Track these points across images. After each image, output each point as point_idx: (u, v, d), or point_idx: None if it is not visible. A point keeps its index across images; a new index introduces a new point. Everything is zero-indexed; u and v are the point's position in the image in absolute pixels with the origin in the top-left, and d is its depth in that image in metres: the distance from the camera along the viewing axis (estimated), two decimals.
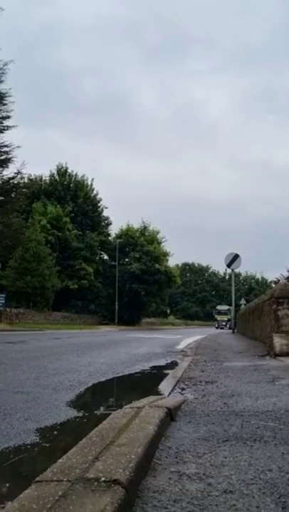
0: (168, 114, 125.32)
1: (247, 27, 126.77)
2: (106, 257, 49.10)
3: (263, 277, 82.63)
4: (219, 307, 58.56)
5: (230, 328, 41.96)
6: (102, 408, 3.37)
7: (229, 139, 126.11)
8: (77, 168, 55.32)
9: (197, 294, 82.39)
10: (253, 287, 76.97)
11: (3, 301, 28.12)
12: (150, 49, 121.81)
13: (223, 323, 50.60)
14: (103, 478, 1.44)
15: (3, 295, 28.67)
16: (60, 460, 1.66)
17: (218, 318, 53.45)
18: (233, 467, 1.80)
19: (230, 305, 48.89)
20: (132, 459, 1.65)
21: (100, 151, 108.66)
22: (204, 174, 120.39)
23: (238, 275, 76.40)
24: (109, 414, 2.52)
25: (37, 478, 1.47)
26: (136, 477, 1.56)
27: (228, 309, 52.88)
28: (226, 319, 50.93)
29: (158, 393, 3.90)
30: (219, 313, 55.13)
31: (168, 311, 71.09)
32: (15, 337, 12.94)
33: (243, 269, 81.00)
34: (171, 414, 2.62)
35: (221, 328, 46.17)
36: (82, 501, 1.29)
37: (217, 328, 48.53)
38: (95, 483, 1.42)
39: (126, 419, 2.32)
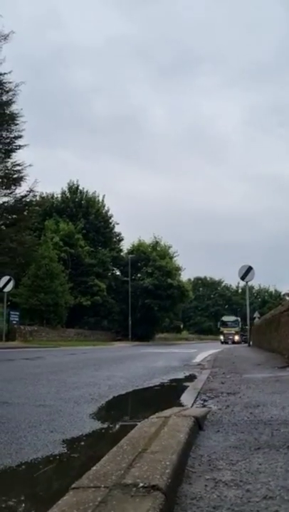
0: (178, 131, 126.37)
1: (255, 43, 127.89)
2: (118, 273, 49.11)
3: (276, 290, 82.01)
4: (225, 318, 50.78)
5: (238, 343, 38.21)
6: (126, 419, 3.33)
7: (239, 154, 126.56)
8: (89, 186, 55.71)
9: (210, 308, 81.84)
10: (266, 300, 76.33)
11: (17, 319, 28.17)
12: (159, 68, 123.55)
13: (230, 337, 43.75)
14: (141, 484, 1.41)
15: (17, 312, 28.74)
16: (94, 467, 1.64)
17: (225, 331, 45.74)
18: (269, 474, 1.75)
19: (243, 317, 47.71)
20: (167, 465, 1.62)
21: (111, 169, 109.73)
22: (215, 189, 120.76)
23: (251, 288, 75.88)
24: (135, 424, 2.48)
25: (73, 485, 1.45)
26: (173, 483, 1.53)
27: (236, 320, 46.80)
28: (233, 332, 44.71)
29: (180, 405, 3.85)
30: (225, 324, 47.48)
31: (181, 326, 70.64)
32: (31, 353, 12.93)
33: (256, 282, 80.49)
34: (199, 424, 2.58)
35: (227, 343, 39.85)
36: (123, 506, 1.26)
37: (223, 342, 41.43)
38: (134, 488, 1.39)
39: (154, 428, 2.29)
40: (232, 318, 50.16)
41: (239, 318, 47.62)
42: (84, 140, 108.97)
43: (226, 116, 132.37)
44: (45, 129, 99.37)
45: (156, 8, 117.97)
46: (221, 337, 45.63)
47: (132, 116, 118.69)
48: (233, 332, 45.02)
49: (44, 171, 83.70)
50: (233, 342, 41.94)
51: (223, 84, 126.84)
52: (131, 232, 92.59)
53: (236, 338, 43.35)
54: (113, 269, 48.08)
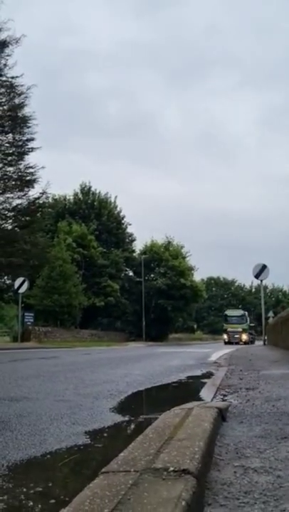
0: (191, 134, 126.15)
1: (265, 44, 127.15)
2: (131, 274, 49.10)
3: None
4: (229, 312, 41.91)
5: (245, 344, 32.22)
6: (146, 413, 3.31)
7: (252, 156, 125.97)
8: (102, 188, 55.80)
9: (224, 309, 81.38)
10: (280, 300, 75.72)
11: (32, 320, 28.33)
12: (172, 71, 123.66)
13: (236, 336, 35.93)
14: (172, 468, 1.40)
15: (32, 314, 28.89)
16: (122, 454, 1.62)
17: (229, 329, 37.36)
18: None
19: (257, 317, 46.80)
20: (196, 451, 1.60)
21: (124, 171, 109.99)
22: (227, 190, 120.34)
23: (264, 288, 75.37)
24: (157, 417, 2.47)
25: (103, 470, 1.44)
26: (202, 469, 1.51)
27: (243, 315, 39.13)
28: (239, 330, 36.80)
29: (200, 399, 3.82)
30: (229, 320, 38.76)
31: (195, 326, 70.39)
32: (46, 353, 12.98)
33: (270, 281, 79.88)
34: (222, 415, 2.55)
35: (232, 344, 32.12)
36: (156, 488, 1.25)
37: (227, 343, 33.97)
38: (164, 472, 1.38)
39: (178, 418, 2.27)
40: (238, 312, 41.71)
41: (246, 313, 41.02)
42: (97, 143, 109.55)
43: (238, 119, 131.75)
44: (60, 132, 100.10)
45: (167, 12, 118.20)
46: (225, 336, 37.38)
47: (145, 120, 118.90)
48: (239, 330, 37.12)
49: (58, 174, 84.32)
50: (240, 342, 34.46)
51: (235, 87, 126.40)
52: (144, 233, 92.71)
53: (244, 337, 36.22)
54: (126, 270, 48.09)
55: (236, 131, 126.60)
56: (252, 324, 49.10)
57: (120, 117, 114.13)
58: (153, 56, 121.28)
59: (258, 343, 32.54)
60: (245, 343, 34.53)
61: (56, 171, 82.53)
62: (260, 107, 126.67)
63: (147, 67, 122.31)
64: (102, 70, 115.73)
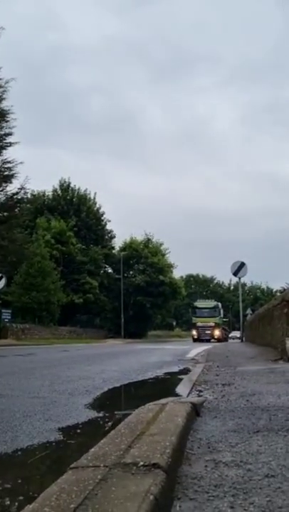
0: (174, 130, 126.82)
1: (250, 43, 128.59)
2: (110, 271, 49.00)
3: (268, 287, 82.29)
4: (200, 303, 36.93)
5: (218, 341, 28.49)
6: (121, 409, 3.30)
7: (235, 153, 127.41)
8: (84, 185, 55.47)
9: None
10: (258, 297, 76.62)
11: (9, 317, 28.02)
12: (156, 67, 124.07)
13: (208, 332, 32.02)
14: (142, 463, 1.39)
15: (9, 311, 28.57)
16: (93, 449, 1.61)
17: (199, 323, 32.99)
18: (270, 454, 1.74)
19: (236, 314, 47.47)
20: (167, 445, 1.59)
21: (107, 167, 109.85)
22: (210, 187, 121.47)
23: (243, 285, 76.14)
24: (131, 413, 2.46)
25: (72, 465, 1.42)
26: (173, 463, 1.50)
27: (215, 307, 34.78)
28: (211, 324, 32.56)
29: (176, 395, 3.82)
30: (199, 313, 33.96)
31: (174, 324, 70.71)
32: (23, 350, 12.85)
33: (248, 279, 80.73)
34: (196, 409, 2.56)
35: (202, 341, 28.12)
36: (124, 483, 1.24)
37: (196, 339, 30.66)
38: (134, 467, 1.37)
39: (152, 413, 2.26)
40: (209, 303, 36.72)
41: (220, 304, 36.91)
42: (80, 139, 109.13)
43: (221, 116, 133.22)
44: (41, 127, 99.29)
45: (152, 8, 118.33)
46: (193, 332, 33.20)
47: (128, 116, 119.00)
48: (211, 324, 32.62)
49: (39, 170, 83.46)
50: (212, 340, 30.33)
51: (219, 84, 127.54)
52: (124, 230, 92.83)
53: (216, 333, 32.25)
54: (105, 267, 47.97)
55: (220, 128, 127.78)
56: (226, 319, 47.98)
57: (103, 113, 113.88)
58: (138, 52, 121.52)
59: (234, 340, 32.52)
60: (218, 340, 30.68)
61: (37, 167, 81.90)
62: (244, 104, 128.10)
63: (132, 64, 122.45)
64: (86, 65, 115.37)
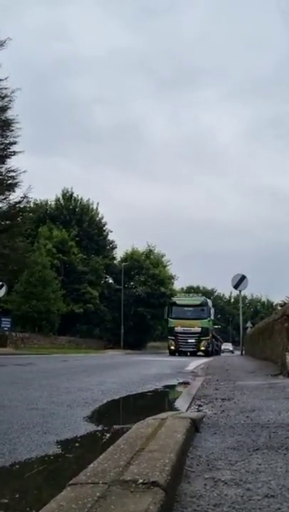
0: (177, 142, 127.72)
1: (254, 57, 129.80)
2: (111, 281, 48.95)
3: (268, 300, 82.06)
4: (180, 298, 27.17)
5: (205, 355, 21.61)
6: (120, 422, 3.28)
7: (237, 165, 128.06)
8: (87, 195, 55.60)
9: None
10: (258, 310, 76.40)
11: (8, 326, 27.94)
12: (161, 80, 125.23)
13: (191, 342, 23.41)
14: (141, 480, 1.38)
15: (9, 319, 28.50)
16: (92, 465, 1.60)
17: (178, 328, 23.98)
18: (270, 473, 1.72)
19: (236, 327, 47.37)
20: (166, 463, 1.58)
21: (110, 178, 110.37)
22: (211, 199, 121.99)
23: (243, 298, 75.89)
24: (130, 427, 2.44)
25: (71, 481, 1.41)
26: (172, 481, 1.49)
27: (203, 305, 24.83)
28: (197, 330, 23.44)
29: (175, 409, 3.81)
30: (178, 312, 24.67)
31: None
32: (22, 360, 12.80)
33: (249, 292, 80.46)
34: (195, 425, 2.54)
35: (184, 353, 22.28)
36: (123, 501, 1.23)
37: (174, 351, 23.18)
38: (133, 485, 1.36)
39: (151, 428, 2.25)
40: (195, 299, 26.60)
41: (209, 302, 26.84)
42: (84, 149, 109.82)
43: (224, 129, 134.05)
44: (46, 137, 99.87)
45: (158, 21, 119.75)
46: (170, 341, 24.08)
47: (132, 127, 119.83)
48: (196, 330, 23.41)
49: (43, 179, 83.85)
50: (198, 351, 23.26)
51: (223, 97, 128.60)
52: (126, 240, 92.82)
53: (202, 345, 23.37)
54: (106, 277, 47.95)
55: (222, 141, 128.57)
56: (217, 326, 42.60)
57: (107, 124, 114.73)
58: (143, 64, 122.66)
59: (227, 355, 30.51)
60: (206, 352, 22.97)
61: (40, 176, 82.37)
62: (246, 118, 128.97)
63: (137, 75, 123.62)
64: (92, 76, 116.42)
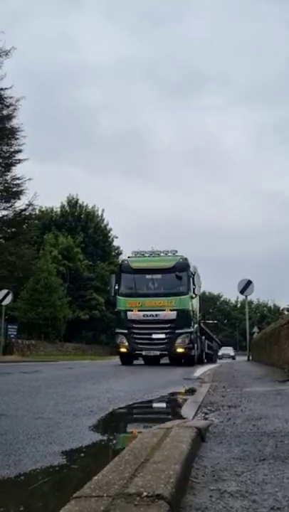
0: (183, 149, 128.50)
1: (260, 64, 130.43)
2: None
3: (274, 305, 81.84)
4: (137, 259, 15.29)
5: (185, 358, 13.83)
6: (126, 431, 3.27)
7: (243, 171, 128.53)
8: (93, 201, 55.88)
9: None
10: (265, 315, 76.17)
11: (15, 333, 28.00)
12: (167, 87, 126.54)
13: (159, 337, 14.05)
14: (145, 493, 1.37)
15: (15, 326, 28.58)
16: (96, 477, 1.59)
17: (134, 315, 14.27)
18: (276, 484, 1.71)
19: (242, 332, 46.00)
20: (171, 475, 1.57)
21: (115, 185, 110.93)
22: (217, 205, 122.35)
23: (250, 303, 75.60)
24: (136, 436, 2.43)
25: (75, 494, 1.41)
26: (177, 493, 1.48)
27: (178, 268, 14.67)
28: (171, 317, 14.05)
29: (181, 417, 3.79)
30: (139, 285, 14.77)
31: None
32: (29, 367, 12.79)
33: (255, 296, 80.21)
34: (201, 435, 2.53)
35: (150, 361, 14.56)
36: None
37: (127, 358, 14.92)
38: (137, 498, 1.35)
39: (156, 438, 2.24)
40: (163, 260, 15.04)
41: (193, 265, 15.74)
42: (90, 156, 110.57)
43: (230, 135, 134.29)
44: (53, 144, 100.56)
45: (164, 29, 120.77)
46: (121, 339, 14.78)
47: (138, 134, 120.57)
48: (167, 316, 14.13)
49: (49, 186, 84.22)
50: (175, 352, 14.46)
51: (229, 104, 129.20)
52: (133, 246, 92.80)
53: (180, 344, 14.20)
54: None
55: (227, 147, 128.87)
56: (211, 321, 36.61)
57: (114, 131, 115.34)
58: (149, 71, 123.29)
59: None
60: (187, 358, 14.66)
61: (46, 183, 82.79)
62: (252, 124, 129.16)
63: (143, 83, 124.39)
64: (98, 84, 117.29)
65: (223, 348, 44.71)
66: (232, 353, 46.35)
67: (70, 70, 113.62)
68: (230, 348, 49.93)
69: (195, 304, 15.84)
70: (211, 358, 20.84)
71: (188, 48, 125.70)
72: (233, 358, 42.12)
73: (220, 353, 38.06)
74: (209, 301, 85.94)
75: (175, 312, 14.24)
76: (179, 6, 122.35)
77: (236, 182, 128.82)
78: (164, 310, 14.27)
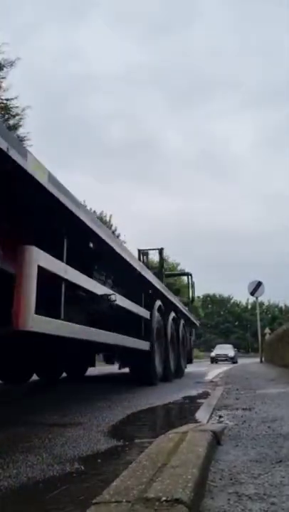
0: (192, 154, 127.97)
1: (267, 67, 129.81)
2: None
3: (286, 305, 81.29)
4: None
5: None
6: (141, 437, 3.27)
7: (252, 175, 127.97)
8: (101, 207, 56.07)
9: (220, 326, 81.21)
10: (276, 316, 75.65)
11: None
12: (175, 93, 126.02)
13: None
14: (164, 498, 1.38)
15: None
16: (114, 483, 1.60)
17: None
18: None
19: (254, 334, 44.24)
20: (189, 479, 1.58)
21: (124, 191, 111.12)
22: (228, 209, 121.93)
23: (260, 304, 75.18)
24: (152, 441, 2.44)
25: (94, 500, 1.42)
26: (195, 497, 1.49)
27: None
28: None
29: (196, 421, 3.79)
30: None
31: None
32: None
33: (266, 298, 79.70)
34: (217, 438, 2.53)
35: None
36: None
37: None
38: (156, 502, 1.36)
39: (172, 443, 2.25)
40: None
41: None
42: (98, 163, 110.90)
43: (239, 139, 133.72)
44: (63, 154, 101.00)
45: (172, 36, 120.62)
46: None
47: (147, 140, 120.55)
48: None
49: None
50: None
51: (237, 108, 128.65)
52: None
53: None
54: None
55: (237, 150, 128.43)
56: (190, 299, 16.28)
57: (123, 138, 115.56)
58: (157, 78, 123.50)
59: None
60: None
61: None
62: (261, 127, 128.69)
63: (151, 89, 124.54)
64: (107, 92, 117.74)
65: (219, 346, 36.18)
66: (232, 354, 31.63)
67: (78, 80, 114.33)
68: (230, 347, 35.42)
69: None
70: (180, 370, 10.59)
71: (197, 53, 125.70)
72: (232, 359, 30.14)
73: (213, 354, 31.83)
74: (220, 304, 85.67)
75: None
76: (186, 12, 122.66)
77: (245, 185, 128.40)
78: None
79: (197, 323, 15.50)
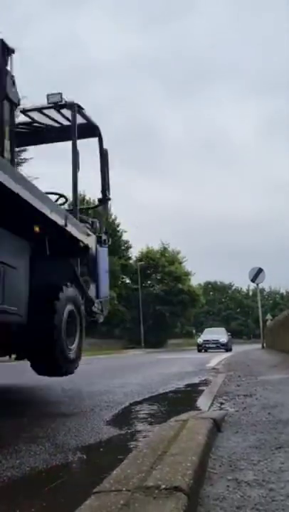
0: (193, 142, 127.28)
1: (268, 55, 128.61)
2: (128, 281, 49.07)
3: (287, 292, 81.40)
4: None
5: None
6: (143, 425, 3.31)
7: (254, 162, 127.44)
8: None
9: (222, 313, 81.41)
10: (277, 302, 75.81)
11: None
12: (176, 81, 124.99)
13: None
14: (163, 486, 1.40)
15: None
16: (115, 472, 1.62)
17: None
18: None
19: (255, 320, 44.57)
20: (188, 466, 1.60)
21: (124, 179, 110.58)
22: (228, 196, 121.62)
23: (262, 291, 75.25)
24: (153, 429, 2.47)
25: (95, 490, 1.44)
26: (195, 485, 1.51)
27: None
28: None
29: (197, 408, 3.82)
30: None
31: (194, 331, 70.35)
32: None
33: (267, 284, 79.78)
34: (217, 425, 2.55)
35: None
36: (146, 508, 1.25)
37: None
38: (156, 490, 1.38)
39: (173, 431, 2.27)
40: None
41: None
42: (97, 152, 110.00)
43: (240, 127, 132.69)
44: (64, 143, 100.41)
45: (172, 24, 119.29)
46: None
47: (148, 129, 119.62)
48: None
49: (57, 184, 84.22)
50: None
51: (238, 96, 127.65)
52: (143, 240, 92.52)
53: None
54: (123, 278, 48.03)
55: (238, 139, 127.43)
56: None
57: (124, 127, 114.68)
58: (157, 67, 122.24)
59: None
60: None
61: (55, 181, 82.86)
62: (262, 115, 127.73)
63: (152, 77, 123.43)
64: (107, 82, 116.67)
65: (208, 330, 30.27)
66: (224, 339, 26.81)
67: (77, 68, 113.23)
68: (222, 331, 29.79)
69: None
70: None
71: (196, 41, 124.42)
72: (226, 345, 25.58)
73: (200, 340, 27.52)
74: (221, 291, 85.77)
75: None
76: (186, 0, 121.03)
77: (246, 173, 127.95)
78: None
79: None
